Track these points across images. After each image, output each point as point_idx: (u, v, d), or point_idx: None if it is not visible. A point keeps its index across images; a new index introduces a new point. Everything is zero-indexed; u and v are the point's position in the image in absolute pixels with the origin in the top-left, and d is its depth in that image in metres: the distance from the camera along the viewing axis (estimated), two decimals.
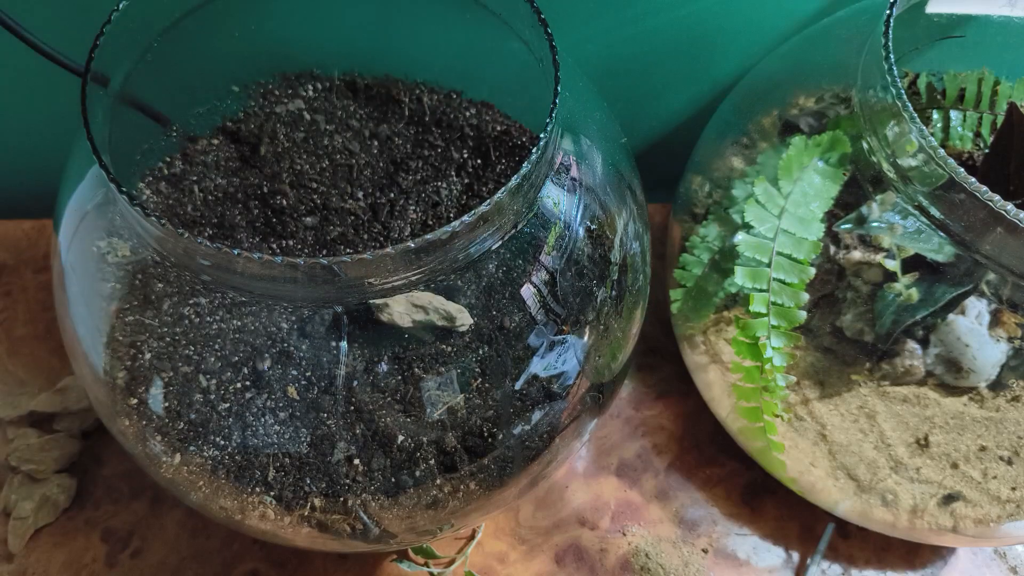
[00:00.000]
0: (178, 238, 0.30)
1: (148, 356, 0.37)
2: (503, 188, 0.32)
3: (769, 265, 0.43)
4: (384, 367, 0.37)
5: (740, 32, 0.57)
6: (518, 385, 0.38)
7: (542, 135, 0.33)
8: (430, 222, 0.42)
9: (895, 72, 0.38)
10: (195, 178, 0.43)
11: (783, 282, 0.43)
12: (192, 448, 0.37)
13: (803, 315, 0.43)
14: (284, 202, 0.43)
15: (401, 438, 0.37)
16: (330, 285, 0.32)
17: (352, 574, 0.50)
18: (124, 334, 0.38)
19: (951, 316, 0.44)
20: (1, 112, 0.58)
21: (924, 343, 0.45)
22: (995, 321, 0.44)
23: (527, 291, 0.38)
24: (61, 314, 0.41)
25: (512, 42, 0.39)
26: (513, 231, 0.35)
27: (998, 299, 0.44)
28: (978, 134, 0.49)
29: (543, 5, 0.36)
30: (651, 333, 0.59)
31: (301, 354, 0.37)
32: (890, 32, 0.39)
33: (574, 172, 0.39)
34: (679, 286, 0.51)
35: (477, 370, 0.38)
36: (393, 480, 0.38)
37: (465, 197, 0.43)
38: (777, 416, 0.45)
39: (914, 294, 0.44)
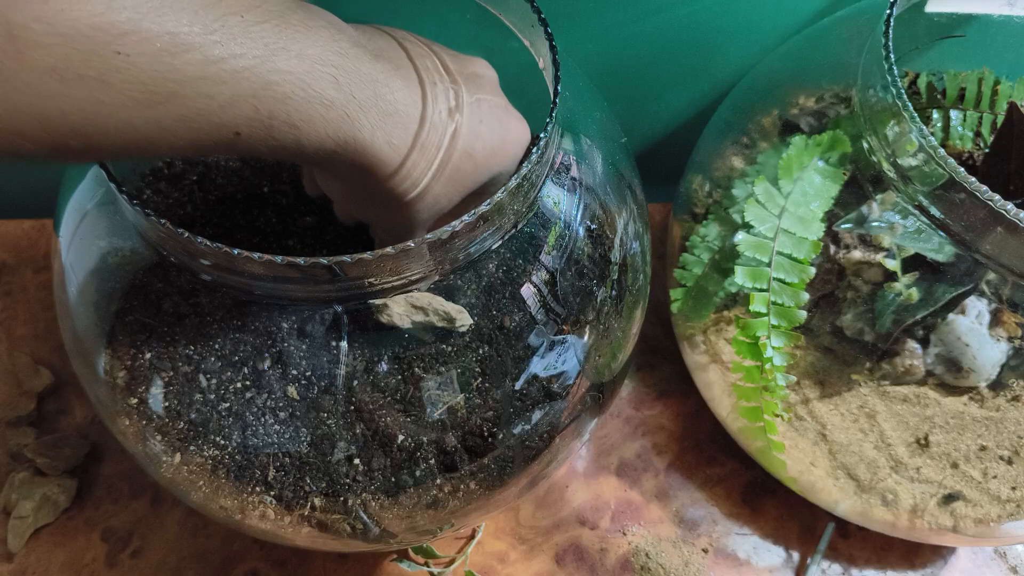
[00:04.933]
0: (178, 238, 0.30)
1: (148, 356, 0.37)
2: (503, 188, 0.32)
3: (769, 265, 0.43)
4: (384, 367, 0.37)
5: (740, 32, 0.57)
6: (518, 385, 0.38)
7: (542, 135, 0.33)
8: None
9: (895, 72, 0.38)
10: (195, 178, 0.43)
11: (783, 282, 0.43)
12: (192, 448, 0.37)
13: (803, 315, 0.43)
14: (284, 202, 0.43)
15: (401, 438, 0.37)
16: (330, 285, 0.32)
17: (352, 574, 0.50)
18: (124, 334, 0.38)
19: (951, 316, 0.44)
20: None
21: (924, 343, 0.45)
22: (995, 321, 0.44)
23: (527, 291, 0.38)
24: (61, 314, 0.41)
25: (512, 42, 0.39)
26: (513, 231, 0.35)
27: (998, 299, 0.44)
28: (978, 134, 0.49)
29: (543, 5, 0.36)
30: (651, 333, 0.59)
31: (301, 354, 0.37)
32: (890, 32, 0.39)
33: (574, 172, 0.39)
34: (679, 286, 0.51)
35: (477, 370, 0.38)
36: (393, 480, 0.38)
37: None
38: (777, 416, 0.45)
39: (914, 294, 0.44)
